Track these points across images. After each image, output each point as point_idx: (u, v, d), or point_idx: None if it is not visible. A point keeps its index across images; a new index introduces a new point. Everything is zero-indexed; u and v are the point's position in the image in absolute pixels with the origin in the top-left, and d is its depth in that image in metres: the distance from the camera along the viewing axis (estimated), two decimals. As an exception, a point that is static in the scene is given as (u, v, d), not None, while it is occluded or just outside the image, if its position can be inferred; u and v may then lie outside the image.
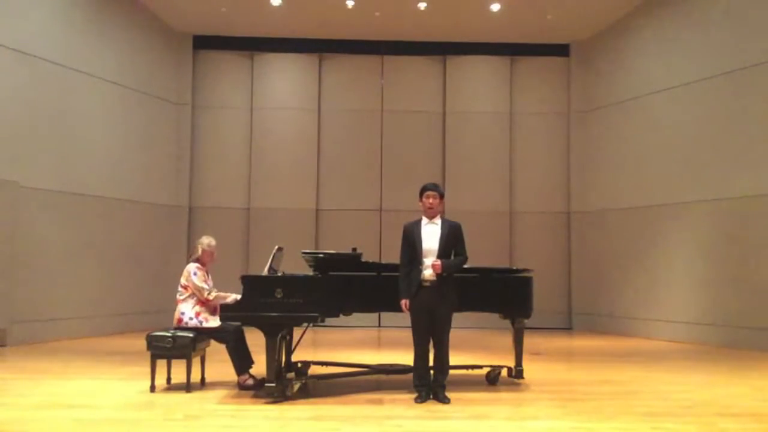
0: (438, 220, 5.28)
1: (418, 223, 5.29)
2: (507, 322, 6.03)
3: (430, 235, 5.20)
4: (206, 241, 5.84)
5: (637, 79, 11.09)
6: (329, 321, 5.65)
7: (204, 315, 5.61)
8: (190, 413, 4.71)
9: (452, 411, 4.87)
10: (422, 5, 10.81)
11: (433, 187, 5.32)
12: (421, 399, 5.13)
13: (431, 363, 5.26)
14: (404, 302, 5.20)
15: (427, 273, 5.14)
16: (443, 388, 5.18)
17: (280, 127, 12.22)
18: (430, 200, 5.25)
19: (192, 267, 5.69)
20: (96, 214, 9.96)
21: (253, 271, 9.74)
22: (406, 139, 12.21)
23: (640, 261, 10.79)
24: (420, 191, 5.33)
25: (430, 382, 5.22)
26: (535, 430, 4.43)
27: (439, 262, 5.09)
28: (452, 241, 5.22)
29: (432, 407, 5.00)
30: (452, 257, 5.22)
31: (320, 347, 8.88)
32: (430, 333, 5.20)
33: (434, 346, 5.22)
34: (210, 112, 12.15)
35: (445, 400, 5.08)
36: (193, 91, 12.03)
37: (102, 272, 10.02)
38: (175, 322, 5.62)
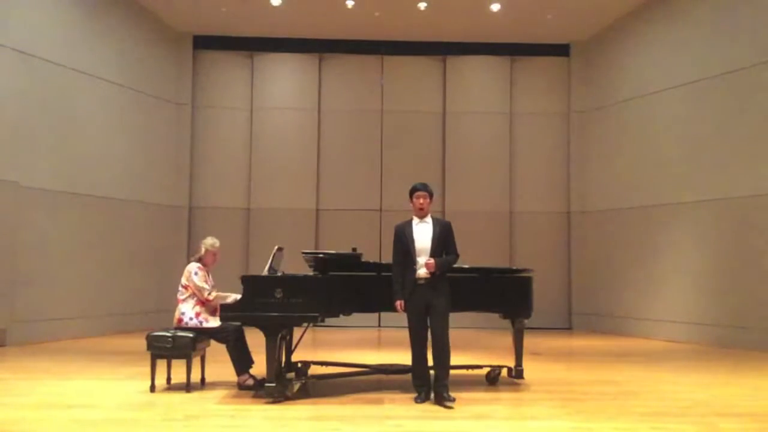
0: (429, 219, 5.30)
1: (409, 223, 5.31)
2: (507, 322, 6.03)
3: (422, 234, 5.22)
4: (210, 241, 5.85)
5: (637, 79, 11.09)
6: (329, 321, 5.65)
7: (204, 315, 5.61)
8: (190, 413, 4.71)
9: (452, 411, 4.86)
10: (422, 5, 10.81)
11: (423, 186, 5.35)
12: (420, 399, 5.12)
13: (430, 363, 5.22)
14: (399, 303, 5.18)
15: (422, 272, 5.14)
16: (446, 387, 5.07)
17: (280, 127, 12.22)
18: (421, 200, 5.28)
19: (193, 267, 5.69)
20: (96, 214, 9.97)
21: (253, 271, 9.74)
22: (406, 139, 12.21)
23: (640, 261, 10.79)
24: (410, 192, 5.37)
25: (429, 382, 5.18)
26: (535, 430, 4.42)
27: (432, 260, 5.10)
28: (443, 239, 5.23)
29: (432, 407, 4.98)
30: (443, 256, 5.22)
31: (320, 347, 8.88)
32: (427, 331, 5.17)
33: (433, 344, 5.14)
34: (210, 112, 12.15)
35: (449, 399, 4.96)
36: (193, 91, 12.03)
37: (102, 272, 10.02)
38: (175, 322, 5.62)
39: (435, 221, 5.32)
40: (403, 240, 5.23)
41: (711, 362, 7.84)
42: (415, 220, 5.30)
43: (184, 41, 11.98)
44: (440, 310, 5.14)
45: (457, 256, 5.30)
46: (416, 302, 5.14)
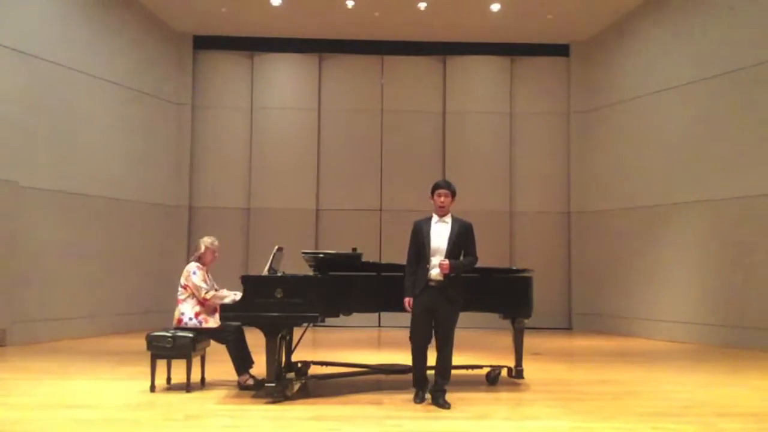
0: (449, 219, 5.14)
1: (428, 220, 5.16)
2: (507, 322, 6.02)
3: (440, 233, 5.07)
4: (209, 240, 5.85)
5: (637, 79, 11.09)
6: (329, 321, 5.64)
7: (203, 315, 5.61)
8: (190, 413, 4.71)
9: (452, 411, 4.86)
10: (422, 5, 10.81)
11: (446, 185, 5.18)
12: (418, 398, 5.07)
13: (430, 364, 5.16)
14: (407, 300, 5.07)
15: (434, 272, 5.00)
16: (443, 393, 5.03)
17: (280, 127, 12.22)
18: (442, 199, 5.10)
19: (192, 266, 5.69)
20: (96, 214, 9.96)
21: (253, 271, 9.74)
22: (406, 139, 12.21)
23: (640, 261, 10.79)
24: (432, 189, 5.19)
25: (427, 384, 5.09)
26: (535, 430, 4.42)
27: (447, 262, 4.95)
28: (462, 241, 5.09)
29: (432, 407, 4.97)
30: (461, 258, 5.10)
31: (320, 347, 8.88)
32: (430, 334, 5.08)
33: (437, 350, 5.06)
34: (210, 112, 12.15)
35: (445, 406, 4.91)
36: (193, 91, 12.03)
37: (102, 272, 10.01)
38: (175, 322, 5.62)
39: (455, 221, 5.14)
40: (419, 237, 5.10)
41: (711, 362, 7.84)
42: (435, 218, 5.14)
43: (184, 41, 11.98)
44: (448, 318, 5.02)
45: (476, 259, 5.16)
46: (423, 303, 5.00)
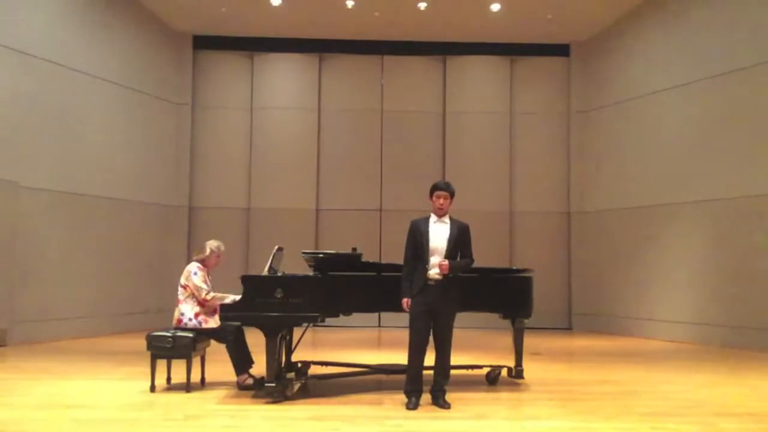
0: (447, 219, 5.12)
1: (426, 220, 5.13)
2: (507, 322, 6.02)
3: (439, 234, 5.05)
4: (216, 244, 5.84)
5: (636, 79, 11.09)
6: (329, 321, 5.64)
7: (203, 316, 5.61)
8: (190, 413, 4.71)
9: (452, 411, 4.86)
10: (422, 5, 10.81)
11: (445, 186, 5.15)
12: (412, 405, 4.92)
13: (428, 366, 5.13)
14: (405, 301, 5.04)
15: (433, 272, 4.98)
16: (443, 393, 5.03)
17: (280, 127, 12.22)
18: (441, 200, 5.07)
19: (193, 267, 5.69)
20: (96, 214, 9.96)
21: (253, 271, 9.74)
22: (406, 139, 12.21)
23: (640, 261, 10.79)
24: (431, 190, 5.16)
25: (421, 387, 5.04)
26: (535, 430, 4.43)
27: (446, 262, 4.94)
28: (460, 242, 5.08)
29: (431, 407, 4.96)
30: (458, 258, 5.09)
31: (320, 347, 8.88)
32: (428, 334, 5.05)
33: (436, 349, 5.05)
34: (210, 112, 12.15)
35: (445, 406, 4.92)
36: (193, 91, 12.03)
37: (102, 272, 10.01)
38: (174, 322, 5.62)
39: (453, 222, 5.12)
40: (418, 237, 5.07)
41: (711, 362, 7.85)
42: (433, 218, 5.11)
43: (184, 41, 11.97)
44: (446, 317, 5.01)
45: (473, 260, 5.17)
46: (422, 303, 4.97)
